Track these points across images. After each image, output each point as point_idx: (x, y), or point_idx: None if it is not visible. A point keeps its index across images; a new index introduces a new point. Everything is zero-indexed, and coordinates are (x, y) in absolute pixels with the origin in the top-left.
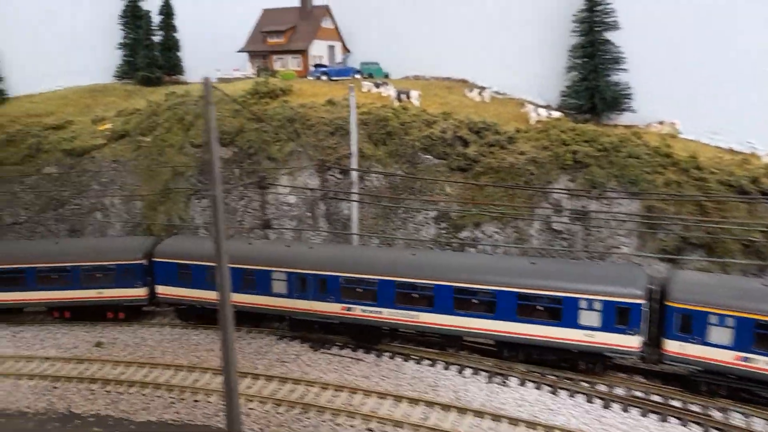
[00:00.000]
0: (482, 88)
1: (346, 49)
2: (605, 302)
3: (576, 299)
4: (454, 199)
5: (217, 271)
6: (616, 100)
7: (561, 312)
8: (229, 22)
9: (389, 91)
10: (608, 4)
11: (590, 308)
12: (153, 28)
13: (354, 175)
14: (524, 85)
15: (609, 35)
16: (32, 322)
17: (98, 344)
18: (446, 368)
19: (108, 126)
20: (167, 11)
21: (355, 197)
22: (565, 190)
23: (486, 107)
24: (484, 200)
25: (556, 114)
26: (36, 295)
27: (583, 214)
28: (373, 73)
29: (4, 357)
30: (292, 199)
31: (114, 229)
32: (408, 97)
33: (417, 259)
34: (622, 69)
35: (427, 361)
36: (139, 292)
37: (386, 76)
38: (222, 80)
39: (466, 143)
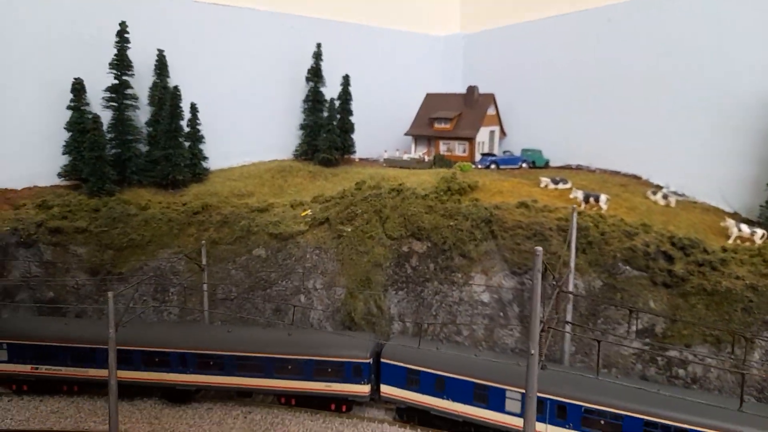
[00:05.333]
0: (661, 188)
1: (503, 133)
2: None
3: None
4: (661, 314)
5: (527, 405)
6: None
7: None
8: (391, 104)
9: (577, 194)
10: None
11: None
12: (334, 113)
13: (570, 299)
14: (705, 187)
15: None
16: (260, 404)
17: None
18: None
19: (308, 212)
20: (345, 97)
21: (569, 318)
22: None
23: (675, 214)
24: (693, 320)
25: (760, 231)
26: (268, 382)
27: None
28: (535, 160)
29: None
30: (485, 297)
31: (315, 312)
32: (597, 201)
33: None
34: None
35: None
36: (364, 389)
37: (547, 163)
38: (389, 161)
39: (670, 258)
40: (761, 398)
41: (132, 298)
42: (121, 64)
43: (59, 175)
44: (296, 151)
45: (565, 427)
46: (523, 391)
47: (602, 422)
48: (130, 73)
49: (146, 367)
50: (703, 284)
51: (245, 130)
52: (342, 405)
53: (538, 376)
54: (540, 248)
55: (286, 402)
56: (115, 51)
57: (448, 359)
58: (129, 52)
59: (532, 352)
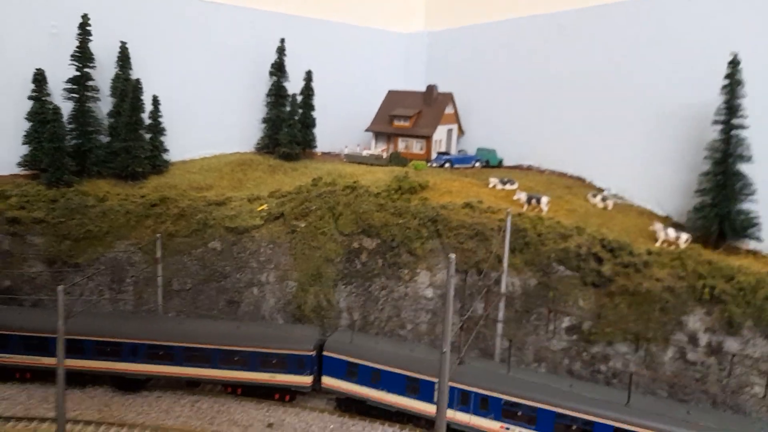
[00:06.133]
0: (602, 191)
1: (461, 131)
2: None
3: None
4: (588, 313)
5: (438, 401)
6: (745, 229)
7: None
8: (353, 100)
9: (520, 196)
10: (744, 137)
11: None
12: (296, 108)
13: (503, 297)
14: (644, 192)
15: (742, 167)
16: (208, 393)
17: (270, 425)
18: None
19: (264, 207)
20: (307, 92)
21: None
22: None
23: (611, 217)
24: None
25: (685, 235)
26: (216, 372)
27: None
28: (489, 159)
29: (195, 431)
30: (429, 293)
31: (267, 305)
32: (538, 203)
33: None
34: (751, 198)
35: None
36: (306, 380)
37: (500, 162)
38: (350, 157)
39: (600, 260)
40: (671, 393)
41: (86, 288)
42: (83, 56)
43: (19, 164)
44: (258, 144)
45: (488, 417)
46: (452, 384)
47: (519, 413)
48: (91, 65)
49: (98, 356)
50: (626, 285)
51: (207, 122)
52: (285, 395)
53: (465, 371)
54: (453, 255)
55: (232, 391)
56: (77, 43)
57: (384, 353)
58: (91, 45)
59: (444, 350)
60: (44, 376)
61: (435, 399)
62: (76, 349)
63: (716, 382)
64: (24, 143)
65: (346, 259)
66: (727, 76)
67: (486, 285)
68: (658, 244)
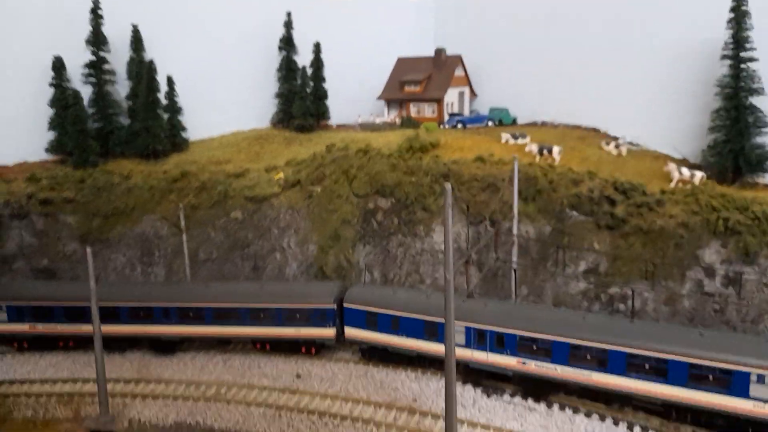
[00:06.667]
0: (616, 139)
1: (473, 94)
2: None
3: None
4: (603, 255)
5: (446, 328)
6: (760, 163)
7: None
8: (364, 69)
9: (531, 147)
10: (754, 70)
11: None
12: (307, 80)
13: (515, 239)
14: (658, 137)
15: (754, 100)
16: (239, 351)
17: (298, 375)
18: (615, 424)
19: (281, 176)
20: (317, 64)
21: (515, 257)
22: None
23: (625, 162)
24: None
25: (699, 174)
26: (243, 330)
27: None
28: (502, 118)
29: (228, 384)
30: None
31: (290, 268)
32: (550, 153)
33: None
34: (765, 132)
35: (596, 416)
36: (329, 332)
37: (514, 120)
38: (363, 126)
39: (612, 202)
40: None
41: (119, 263)
42: (97, 40)
43: (47, 150)
44: (273, 119)
45: (504, 354)
46: (467, 324)
47: (534, 347)
48: (106, 48)
49: (132, 320)
50: (639, 224)
51: (223, 100)
52: (311, 348)
53: (481, 310)
54: (449, 183)
55: (261, 348)
56: (90, 27)
57: (402, 301)
58: (105, 28)
59: (448, 277)
60: (85, 343)
61: (456, 340)
62: (111, 315)
63: (735, 312)
64: (49, 129)
65: (362, 220)
66: (732, 9)
67: (497, 230)
68: (672, 185)
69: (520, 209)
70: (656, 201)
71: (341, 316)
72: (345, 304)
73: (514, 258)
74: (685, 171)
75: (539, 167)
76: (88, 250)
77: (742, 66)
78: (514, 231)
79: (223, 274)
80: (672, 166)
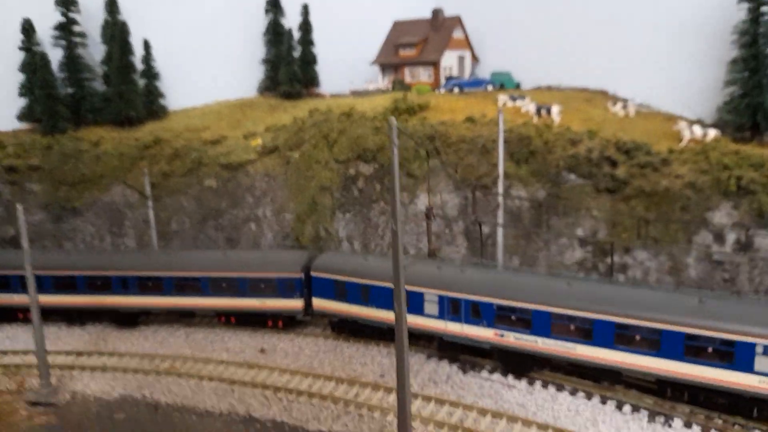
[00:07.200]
0: (625, 101)
1: (475, 58)
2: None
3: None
4: (602, 222)
5: (395, 296)
6: None
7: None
8: (359, 35)
9: (528, 107)
10: None
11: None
12: (293, 44)
13: (500, 199)
14: (670, 97)
15: None
16: (203, 324)
17: (262, 350)
18: (603, 403)
19: (259, 141)
20: (306, 28)
21: (500, 221)
22: None
23: (632, 123)
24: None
25: (713, 132)
26: (206, 301)
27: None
28: (504, 83)
29: (185, 357)
30: None
31: (266, 239)
32: (549, 113)
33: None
34: None
35: (581, 394)
36: (297, 304)
37: (517, 86)
38: (355, 93)
39: (614, 164)
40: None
41: (87, 233)
42: (67, 0)
43: (18, 118)
44: (260, 86)
45: (480, 325)
46: (441, 292)
47: (513, 318)
48: (75, 9)
49: (90, 291)
50: (642, 185)
51: (208, 67)
52: (278, 321)
53: (456, 277)
54: (393, 118)
55: (226, 321)
56: None
57: (373, 268)
58: None
59: (395, 228)
60: (47, 315)
61: (425, 310)
62: (67, 285)
63: (747, 281)
64: (20, 95)
65: (343, 187)
66: None
67: (474, 189)
68: (683, 144)
69: (512, 172)
70: (662, 160)
71: (310, 287)
72: (312, 273)
73: (500, 219)
74: (697, 129)
75: (534, 127)
76: (19, 207)
77: (763, 9)
78: (500, 191)
79: (196, 246)
80: (683, 125)
